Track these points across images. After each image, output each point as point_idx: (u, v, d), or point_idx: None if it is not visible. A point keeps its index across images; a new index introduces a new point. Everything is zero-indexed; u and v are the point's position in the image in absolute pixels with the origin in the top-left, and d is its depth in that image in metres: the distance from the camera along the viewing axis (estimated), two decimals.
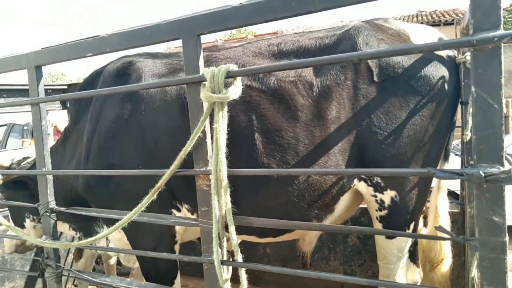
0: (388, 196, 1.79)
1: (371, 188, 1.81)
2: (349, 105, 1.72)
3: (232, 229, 1.23)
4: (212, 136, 1.23)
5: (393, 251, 1.89)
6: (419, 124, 1.72)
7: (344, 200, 1.89)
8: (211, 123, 1.22)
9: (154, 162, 1.77)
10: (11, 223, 2.56)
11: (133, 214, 1.37)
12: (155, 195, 1.83)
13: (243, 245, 2.29)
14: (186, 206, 1.85)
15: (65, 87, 3.76)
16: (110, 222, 2.12)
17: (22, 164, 2.36)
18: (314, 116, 1.72)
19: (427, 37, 1.89)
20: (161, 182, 1.30)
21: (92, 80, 2.06)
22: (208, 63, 1.85)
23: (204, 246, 1.32)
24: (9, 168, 2.33)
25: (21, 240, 2.54)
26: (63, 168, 2.15)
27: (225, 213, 1.25)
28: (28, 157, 2.41)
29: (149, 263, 1.85)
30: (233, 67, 1.17)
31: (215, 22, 1.23)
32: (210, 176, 1.26)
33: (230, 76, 1.17)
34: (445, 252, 2.19)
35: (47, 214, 1.68)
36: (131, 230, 1.83)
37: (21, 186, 2.31)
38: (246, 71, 1.31)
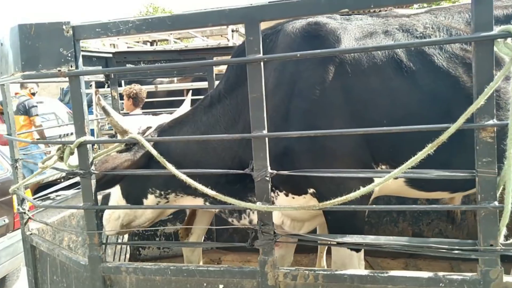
0: None
1: None
2: None
3: None
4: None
5: None
6: None
7: None
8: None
9: (361, 123, 1.76)
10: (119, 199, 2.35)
11: (401, 170, 1.39)
12: (350, 157, 1.85)
13: None
14: (385, 167, 1.86)
15: (110, 55, 3.44)
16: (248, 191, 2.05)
17: (147, 133, 2.17)
18: None
19: None
20: (444, 136, 1.33)
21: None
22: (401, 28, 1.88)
23: (482, 195, 1.39)
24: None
25: (128, 219, 2.35)
26: (218, 134, 2.02)
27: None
28: (150, 127, 2.22)
29: (345, 222, 1.84)
30: None
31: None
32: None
33: None
34: None
35: (266, 178, 1.60)
36: (330, 191, 1.81)
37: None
38: None
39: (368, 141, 1.80)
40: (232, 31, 7.20)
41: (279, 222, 2.08)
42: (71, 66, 1.74)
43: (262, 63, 1.56)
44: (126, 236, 3.28)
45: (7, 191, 4.18)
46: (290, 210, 1.56)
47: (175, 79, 7.37)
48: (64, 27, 1.72)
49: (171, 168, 1.63)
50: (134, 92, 5.01)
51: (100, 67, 3.31)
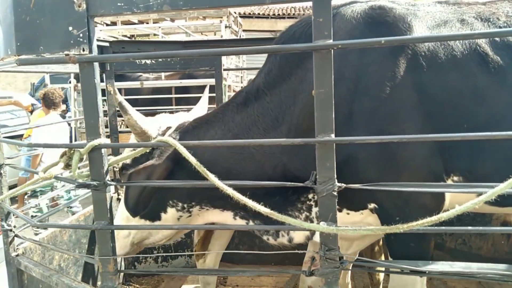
0: None
1: None
2: None
3: None
4: None
5: None
6: None
7: None
8: None
9: (436, 127, 1.49)
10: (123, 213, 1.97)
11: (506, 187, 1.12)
12: (423, 167, 1.57)
13: None
14: (457, 179, 1.59)
15: (106, 43, 3.02)
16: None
17: (167, 134, 1.81)
18: None
19: None
20: None
21: (305, 29, 1.62)
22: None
23: None
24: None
25: (140, 237, 1.98)
26: (255, 137, 1.69)
27: None
28: (170, 127, 1.86)
29: (412, 243, 1.56)
30: None
31: None
32: None
33: None
34: None
35: (334, 192, 1.30)
36: (396, 207, 1.53)
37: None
38: None
39: (443, 148, 1.54)
40: (226, 27, 6.85)
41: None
42: (83, 50, 1.38)
43: (332, 51, 1.25)
44: None
45: None
46: (367, 233, 1.28)
47: (163, 75, 6.94)
48: (75, 0, 1.36)
49: (214, 179, 1.30)
50: (42, 94, 4.77)
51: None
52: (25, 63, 1.43)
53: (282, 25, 12.71)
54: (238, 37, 8.00)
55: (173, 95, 6.63)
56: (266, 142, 1.54)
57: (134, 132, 1.71)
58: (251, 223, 1.86)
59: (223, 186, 1.30)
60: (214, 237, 2.41)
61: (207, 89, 2.33)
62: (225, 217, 1.89)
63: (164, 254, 3.41)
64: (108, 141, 1.41)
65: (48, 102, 5.22)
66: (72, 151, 1.45)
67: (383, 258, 2.48)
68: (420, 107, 1.53)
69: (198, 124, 1.85)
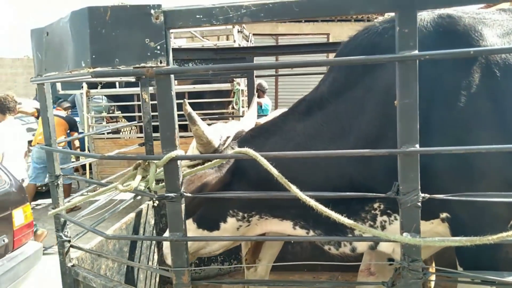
0: None
1: None
2: None
3: None
4: None
5: None
6: None
7: None
8: None
9: (508, 136, 1.48)
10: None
11: None
12: (498, 177, 1.56)
13: None
14: None
15: None
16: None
17: (227, 143, 1.80)
18: None
19: None
20: None
21: (372, 39, 1.62)
22: None
23: None
24: (216, 150, 1.74)
25: (197, 246, 1.97)
26: (319, 148, 1.68)
27: None
28: (229, 136, 1.85)
29: (485, 252, 1.55)
30: None
31: None
32: None
33: None
34: None
35: (418, 203, 1.30)
36: (470, 216, 1.52)
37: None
38: None
39: None
40: (238, 31, 6.85)
41: (388, 250, 1.77)
42: (160, 62, 1.38)
43: (417, 62, 1.26)
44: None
45: (6, 205, 3.70)
46: (453, 244, 1.28)
47: (175, 81, 6.93)
48: (152, 11, 1.36)
49: (296, 191, 1.30)
50: None
51: None
52: (100, 76, 1.43)
53: (283, 28, 12.71)
54: (249, 41, 8.00)
55: (187, 100, 6.64)
56: (344, 153, 1.52)
57: (200, 143, 1.70)
58: (311, 233, 1.85)
59: (305, 197, 1.31)
60: (265, 245, 2.40)
61: (255, 98, 2.33)
62: (285, 227, 1.88)
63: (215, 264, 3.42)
64: (183, 152, 1.41)
65: (3, 108, 5.25)
66: (146, 163, 1.45)
67: (433, 265, 2.47)
68: (495, 115, 1.53)
69: (257, 134, 1.84)
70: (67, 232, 1.92)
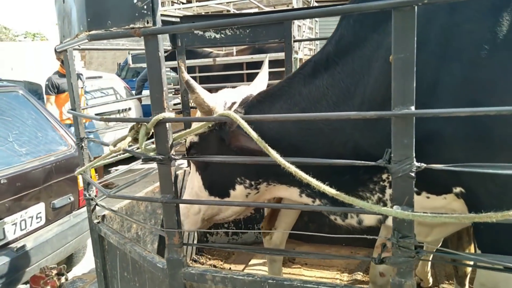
0: None
1: None
2: None
3: None
4: None
5: None
6: None
7: None
8: None
9: None
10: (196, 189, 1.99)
11: None
12: None
13: None
14: None
15: (177, 19, 3.07)
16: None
17: (233, 109, 1.77)
18: None
19: None
20: None
21: None
22: None
23: None
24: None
25: (211, 213, 2.00)
26: (324, 111, 1.58)
27: None
28: (235, 102, 1.82)
29: (506, 234, 1.35)
30: None
31: None
32: None
33: None
34: None
35: (411, 173, 1.15)
36: (489, 192, 1.33)
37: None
38: None
39: None
40: None
41: None
42: (147, 22, 1.36)
43: (416, 9, 1.07)
44: None
45: (72, 168, 4.11)
46: (449, 221, 1.11)
47: (234, 51, 6.94)
48: None
49: (275, 156, 1.22)
50: None
51: (167, 36, 2.97)
52: (95, 38, 1.45)
53: None
54: (310, 6, 7.66)
55: (245, 71, 6.61)
56: (334, 115, 1.41)
57: (202, 111, 1.69)
58: (317, 201, 1.76)
59: (285, 163, 1.22)
60: (281, 214, 2.36)
61: (266, 61, 2.22)
62: (291, 193, 1.81)
63: (229, 230, 3.49)
64: (172, 115, 1.40)
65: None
66: (139, 125, 1.47)
67: (472, 248, 2.22)
68: None
69: (263, 98, 1.76)
70: (92, 192, 2.07)
